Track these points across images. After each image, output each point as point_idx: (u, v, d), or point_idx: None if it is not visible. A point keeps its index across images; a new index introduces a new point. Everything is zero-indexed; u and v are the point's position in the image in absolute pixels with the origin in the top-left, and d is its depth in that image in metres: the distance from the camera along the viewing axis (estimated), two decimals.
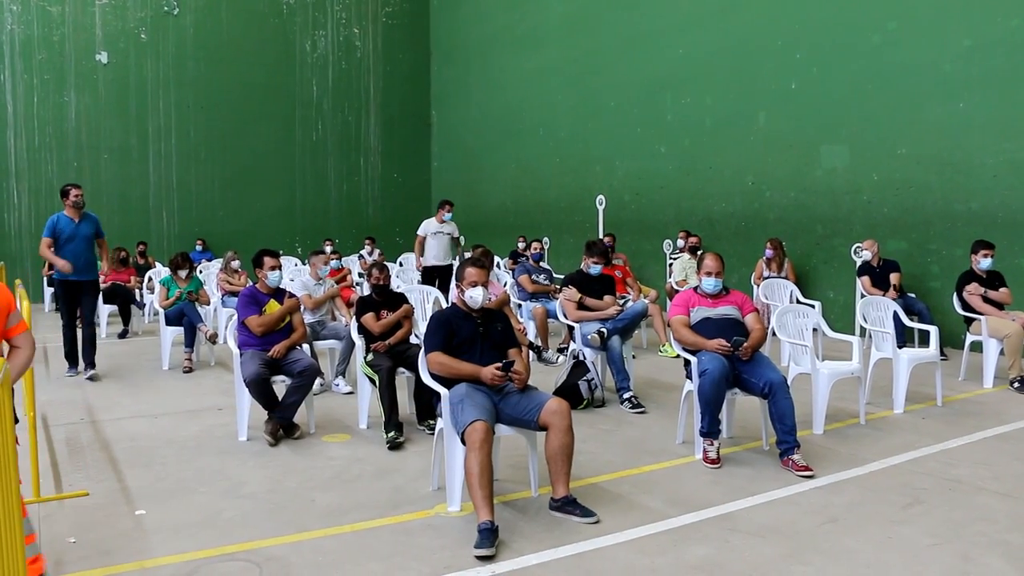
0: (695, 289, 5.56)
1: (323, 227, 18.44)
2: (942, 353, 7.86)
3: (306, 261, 8.64)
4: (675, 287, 10.52)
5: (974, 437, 5.63)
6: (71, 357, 8.15)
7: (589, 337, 6.75)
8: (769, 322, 7.36)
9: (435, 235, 10.99)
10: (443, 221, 11.02)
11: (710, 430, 5.07)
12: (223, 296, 10.00)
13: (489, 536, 3.70)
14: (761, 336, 5.30)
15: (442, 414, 4.38)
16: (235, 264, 10.50)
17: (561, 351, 8.74)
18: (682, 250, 11.24)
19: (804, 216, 10.96)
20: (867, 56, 10.03)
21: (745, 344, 5.10)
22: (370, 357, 6.00)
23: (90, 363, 8.04)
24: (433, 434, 4.90)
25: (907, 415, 6.30)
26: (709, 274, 5.43)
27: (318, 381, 6.48)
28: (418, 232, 11.09)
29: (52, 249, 7.79)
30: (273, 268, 6.30)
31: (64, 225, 7.82)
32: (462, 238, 10.95)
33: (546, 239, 14.91)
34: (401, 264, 14.63)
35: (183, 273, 9.05)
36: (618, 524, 4.04)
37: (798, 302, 9.11)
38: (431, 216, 11.33)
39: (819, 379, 5.82)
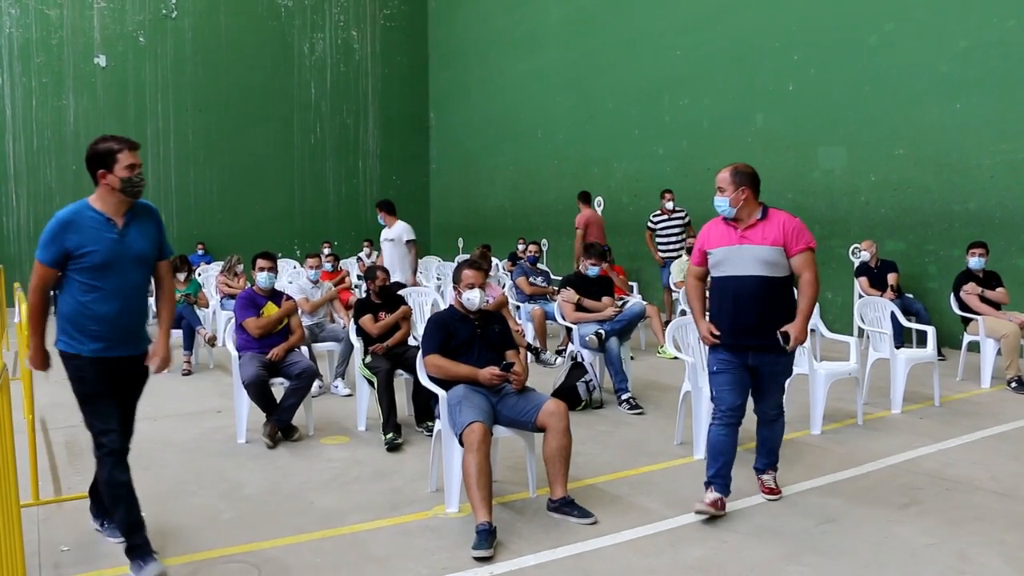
0: (724, 216, 4.22)
1: (322, 229, 18.45)
2: (940, 353, 7.87)
3: (304, 264, 8.62)
4: (673, 288, 10.53)
5: (972, 437, 5.64)
6: (102, 507, 3.95)
7: (587, 339, 6.76)
8: None
9: (384, 243, 9.36)
10: (386, 227, 9.34)
11: (714, 478, 4.22)
12: (222, 299, 10.01)
13: (487, 537, 3.71)
14: (811, 303, 4.12)
15: (440, 416, 4.39)
16: (239, 268, 10.52)
17: (559, 353, 8.75)
18: (671, 217, 11.22)
19: (802, 217, 10.79)
20: (864, 57, 10.05)
21: (791, 340, 4.02)
22: (368, 359, 6.01)
23: (126, 527, 3.54)
24: (431, 436, 4.91)
25: (905, 415, 6.31)
26: (717, 192, 4.15)
27: (317, 383, 6.49)
28: None
29: (53, 295, 3.74)
30: (262, 269, 6.30)
31: (93, 233, 3.50)
32: (410, 242, 9.24)
33: (544, 241, 14.93)
34: None
35: (181, 276, 9.06)
36: (616, 525, 4.05)
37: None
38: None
39: (817, 379, 5.83)
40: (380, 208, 9.42)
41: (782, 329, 4.05)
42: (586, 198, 11.57)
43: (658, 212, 11.41)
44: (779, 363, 4.20)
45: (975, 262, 7.68)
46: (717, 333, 4.13)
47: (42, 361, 3.68)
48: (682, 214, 11.25)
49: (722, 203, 4.12)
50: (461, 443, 4.05)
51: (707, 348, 4.36)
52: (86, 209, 3.53)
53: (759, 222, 4.09)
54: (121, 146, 3.52)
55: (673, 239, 11.16)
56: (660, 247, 11.24)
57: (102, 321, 3.51)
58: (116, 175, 3.49)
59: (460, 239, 18.01)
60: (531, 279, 9.52)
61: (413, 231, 9.30)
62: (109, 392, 3.60)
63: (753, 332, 4.07)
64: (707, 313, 4.33)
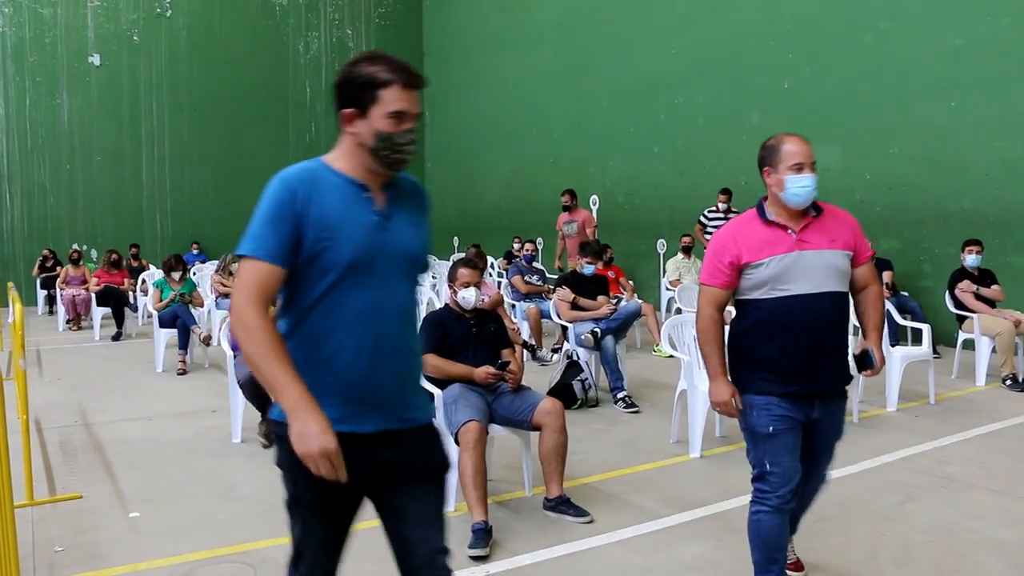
0: (760, 211, 3.03)
1: None
2: (935, 351, 7.87)
3: None
4: (668, 288, 10.54)
5: (967, 435, 5.65)
6: None
7: (583, 337, 6.76)
8: None
9: None
10: None
11: None
12: (217, 298, 9.99)
13: (483, 536, 3.71)
14: (880, 320, 3.12)
15: (436, 415, 4.38)
16: (234, 267, 10.49)
17: (555, 351, 8.75)
18: (726, 217, 10.85)
19: None
20: (859, 56, 10.06)
21: (876, 364, 3.05)
22: None
23: None
24: None
25: (900, 413, 6.32)
26: (800, 168, 2.92)
27: None
28: None
29: (272, 314, 2.04)
30: None
31: (339, 209, 2.02)
32: None
33: (540, 240, 14.92)
34: None
35: (176, 275, 9.05)
36: (612, 523, 4.05)
37: None
38: None
39: None
40: None
41: (862, 348, 3.07)
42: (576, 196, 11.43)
43: (713, 208, 11.03)
44: (842, 413, 3.15)
45: (971, 260, 7.70)
46: (740, 406, 3.00)
47: (320, 429, 1.90)
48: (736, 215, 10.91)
49: (812, 183, 2.93)
50: (457, 442, 4.04)
51: (748, 398, 3.02)
52: (323, 170, 2.07)
53: (814, 220, 2.98)
54: (391, 77, 2.03)
55: None
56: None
57: (347, 369, 2.04)
58: (371, 123, 2.03)
59: (455, 238, 18.00)
60: (527, 278, 9.52)
61: None
62: (332, 499, 2.12)
63: (830, 372, 2.99)
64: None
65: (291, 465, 2.01)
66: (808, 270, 2.90)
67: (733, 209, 10.69)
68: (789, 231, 2.93)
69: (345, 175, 2.06)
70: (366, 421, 2.07)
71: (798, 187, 2.89)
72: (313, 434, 1.89)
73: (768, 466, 2.97)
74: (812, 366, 2.92)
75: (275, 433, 2.13)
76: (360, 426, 2.05)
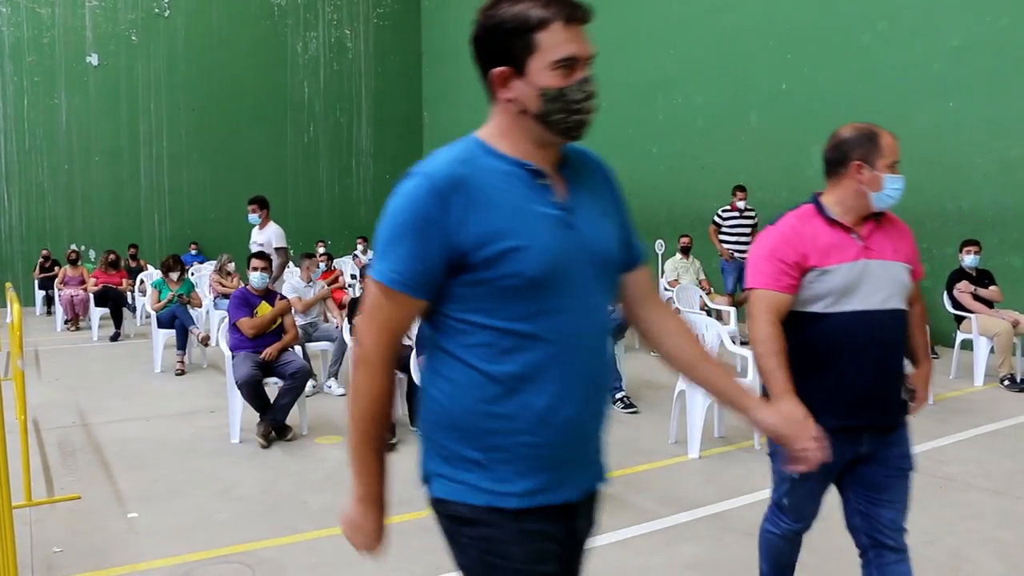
0: (817, 205, 2.59)
1: (316, 229, 18.42)
2: (933, 351, 7.90)
3: (297, 263, 8.60)
4: (666, 288, 10.53)
5: (965, 435, 5.65)
6: None
7: None
8: None
9: (253, 245, 7.87)
10: (257, 228, 8.07)
11: None
12: (215, 298, 9.98)
13: None
14: (928, 346, 2.83)
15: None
16: (230, 267, 10.50)
17: None
18: (742, 215, 10.48)
19: None
20: (858, 56, 10.08)
21: (918, 399, 2.66)
22: None
23: None
24: None
25: None
26: (894, 166, 2.61)
27: (311, 383, 6.47)
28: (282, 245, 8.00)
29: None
30: (255, 269, 6.31)
31: (511, 205, 1.50)
32: (280, 249, 7.89)
33: None
34: None
35: (174, 276, 9.04)
36: (611, 524, 4.04)
37: None
38: None
39: None
40: (258, 206, 8.06)
41: (911, 383, 2.66)
42: None
43: (727, 208, 10.65)
44: (902, 442, 2.59)
45: (969, 260, 7.70)
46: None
47: (374, 532, 1.63)
48: (752, 214, 10.42)
49: (898, 188, 2.55)
50: None
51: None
52: (482, 154, 1.58)
53: (876, 225, 2.56)
54: (546, 13, 1.54)
55: (744, 238, 10.25)
56: (728, 244, 10.42)
57: (544, 420, 1.53)
58: (533, 80, 1.55)
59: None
60: None
61: (285, 237, 8.05)
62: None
63: (888, 403, 2.54)
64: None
65: (490, 560, 1.54)
66: (874, 282, 2.46)
67: (750, 208, 10.47)
68: (853, 235, 2.50)
69: (512, 158, 1.55)
70: (570, 486, 1.59)
71: (894, 188, 2.53)
72: (368, 533, 1.61)
73: (786, 502, 2.73)
74: (871, 396, 2.48)
75: (437, 508, 1.61)
76: (565, 494, 1.59)
